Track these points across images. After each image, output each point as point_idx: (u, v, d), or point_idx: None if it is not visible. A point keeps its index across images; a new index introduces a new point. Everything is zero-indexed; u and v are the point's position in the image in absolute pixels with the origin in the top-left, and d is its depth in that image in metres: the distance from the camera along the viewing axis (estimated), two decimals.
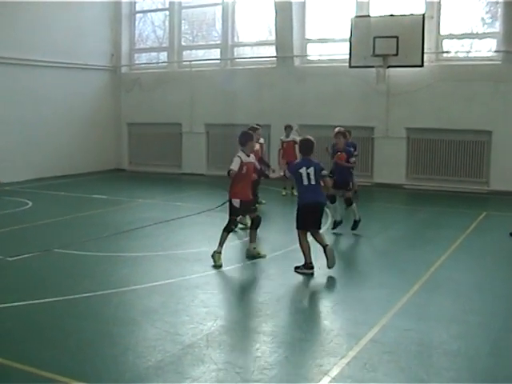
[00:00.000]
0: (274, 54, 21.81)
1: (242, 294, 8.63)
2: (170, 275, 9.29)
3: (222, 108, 22.23)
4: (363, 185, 18.18)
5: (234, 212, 10.32)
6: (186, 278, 9.20)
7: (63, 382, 5.61)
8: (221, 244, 10.07)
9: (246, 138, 10.29)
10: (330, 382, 5.65)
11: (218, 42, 23.46)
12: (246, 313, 7.73)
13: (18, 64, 19.96)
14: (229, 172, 10.01)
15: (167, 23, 24.52)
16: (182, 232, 12.86)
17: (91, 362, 6.13)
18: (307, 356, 6.22)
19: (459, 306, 8.02)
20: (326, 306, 8.04)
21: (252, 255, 10.38)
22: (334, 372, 5.84)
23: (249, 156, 10.20)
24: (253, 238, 10.50)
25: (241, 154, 10.12)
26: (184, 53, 24.38)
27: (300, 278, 9.25)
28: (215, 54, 23.57)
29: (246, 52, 23.48)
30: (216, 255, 9.96)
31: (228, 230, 10.24)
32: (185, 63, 23.93)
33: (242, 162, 10.02)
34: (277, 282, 9.26)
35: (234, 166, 9.99)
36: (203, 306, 7.90)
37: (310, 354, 6.29)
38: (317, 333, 6.94)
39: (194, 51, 24.57)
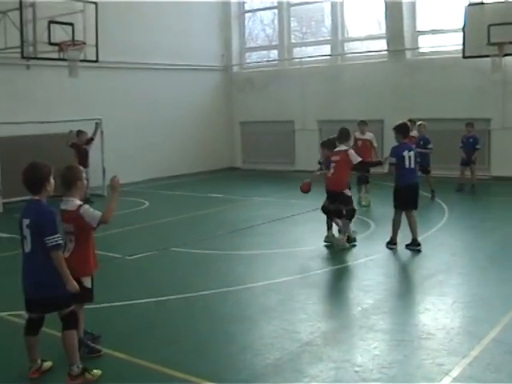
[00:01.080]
0: (385, 48, 21.54)
1: (361, 291, 8.56)
2: (286, 273, 9.35)
3: (333, 104, 22.14)
4: (480, 178, 17.66)
5: (351, 201, 10.95)
6: (303, 276, 9.25)
7: (180, 378, 5.76)
8: (346, 232, 10.85)
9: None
10: (451, 382, 5.55)
11: (328, 38, 23.39)
12: (363, 310, 7.68)
13: (133, 68, 20.59)
14: (359, 163, 10.88)
15: (276, 21, 24.67)
16: (297, 229, 12.91)
17: (208, 360, 6.25)
18: (427, 355, 6.12)
19: None
20: (446, 303, 7.88)
21: (331, 243, 10.91)
22: (455, 372, 5.72)
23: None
24: (343, 227, 10.91)
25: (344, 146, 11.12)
26: (294, 50, 24.45)
27: (419, 275, 9.13)
28: (325, 50, 23.50)
29: (356, 47, 23.29)
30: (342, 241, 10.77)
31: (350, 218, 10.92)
32: (295, 60, 24.00)
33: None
34: (395, 279, 9.18)
35: (357, 158, 10.83)
36: (320, 304, 7.94)
37: (430, 353, 6.19)
38: (436, 331, 6.80)
39: (303, 48, 24.59)
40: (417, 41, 21.37)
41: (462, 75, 19.52)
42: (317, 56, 23.43)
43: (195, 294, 8.38)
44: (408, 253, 10.24)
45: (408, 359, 6.10)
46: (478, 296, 8.12)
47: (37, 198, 5.76)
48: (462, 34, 18.76)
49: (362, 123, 15.94)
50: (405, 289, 8.62)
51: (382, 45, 21.81)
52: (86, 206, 6.20)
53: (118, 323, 7.38)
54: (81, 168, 6.50)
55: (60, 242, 5.60)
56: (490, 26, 17.94)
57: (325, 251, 10.66)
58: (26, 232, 5.67)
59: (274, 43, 25.06)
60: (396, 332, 6.87)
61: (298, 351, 6.34)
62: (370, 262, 9.89)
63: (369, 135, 15.74)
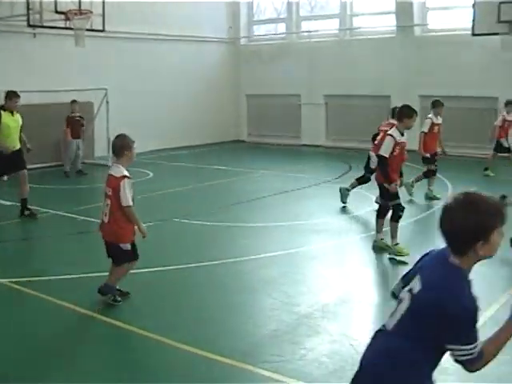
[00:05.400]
0: (394, 24, 21.40)
1: (361, 265, 8.61)
2: (289, 246, 9.38)
3: (340, 79, 22.03)
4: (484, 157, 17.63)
5: (388, 196, 8.91)
6: (306, 249, 9.30)
7: (181, 348, 5.82)
8: (394, 236, 8.84)
9: (403, 113, 8.79)
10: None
11: (337, 12, 23.19)
12: (363, 285, 7.73)
13: (140, 38, 20.42)
14: (380, 157, 8.76)
15: None
16: (301, 203, 12.91)
17: (209, 329, 6.34)
18: None
19: None
20: None
21: (380, 247, 9.04)
22: None
23: (403, 134, 8.76)
24: (393, 233, 8.86)
25: (394, 131, 8.75)
26: (302, 24, 24.30)
27: (422, 249, 9.15)
28: (334, 24, 23.34)
29: (365, 22, 23.12)
30: (381, 242, 9.03)
31: (396, 218, 8.89)
32: (303, 34, 23.88)
33: (395, 142, 8.63)
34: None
35: (386, 151, 8.63)
36: (321, 277, 7.98)
37: None
38: None
39: (312, 22, 24.43)
40: (426, 17, 21.20)
41: (472, 53, 19.36)
42: (325, 30, 23.30)
43: (199, 265, 8.43)
44: (409, 229, 10.23)
45: None
46: (479, 275, 8.11)
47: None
48: (471, 11, 18.62)
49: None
50: (407, 265, 8.61)
51: (390, 20, 21.66)
52: (128, 181, 6.77)
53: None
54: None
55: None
56: (500, 3, 17.79)
57: (329, 225, 10.67)
58: None
59: (282, 16, 24.88)
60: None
61: (295, 323, 6.40)
62: (371, 237, 9.89)
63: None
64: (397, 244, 8.68)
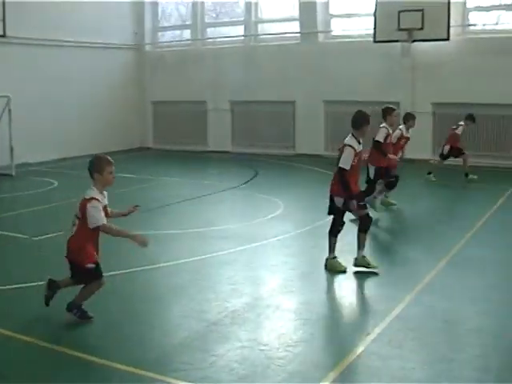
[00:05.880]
0: (298, 30, 21.69)
1: (268, 271, 8.64)
2: (197, 253, 9.33)
3: (246, 85, 22.13)
4: None
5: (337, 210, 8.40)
6: (213, 256, 9.24)
7: (91, 360, 5.69)
8: (331, 250, 8.49)
9: (362, 119, 8.32)
10: (356, 358, 5.67)
11: (242, 19, 23.31)
12: (271, 290, 7.75)
13: (44, 44, 19.91)
14: (340, 170, 8.12)
15: (190, 0, 24.39)
16: (208, 209, 12.88)
17: (116, 340, 6.22)
18: (332, 333, 6.25)
19: (484, 282, 7.96)
20: (352, 281, 8.04)
21: (361, 265, 8.36)
22: (360, 349, 5.85)
23: (360, 143, 8.30)
24: (361, 244, 8.39)
25: (352, 140, 8.23)
26: (208, 30, 24.30)
27: (325, 254, 9.26)
28: (239, 30, 23.42)
29: (270, 28, 23.34)
30: (332, 262, 8.44)
31: (334, 233, 8.48)
32: (209, 40, 23.88)
33: (355, 152, 8.15)
34: (302, 258, 9.30)
35: (346, 163, 8.08)
36: (229, 284, 7.95)
37: (336, 332, 6.32)
38: (342, 310, 6.95)
39: (217, 28, 24.47)
40: (329, 24, 21.59)
41: (374, 59, 19.83)
42: (230, 37, 23.38)
43: (105, 275, 8.22)
44: (315, 233, 10.34)
45: (313, 337, 6.20)
46: (384, 275, 8.31)
47: None
48: (373, 18, 19.11)
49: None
50: (312, 269, 8.70)
51: (295, 27, 21.94)
52: (95, 204, 6.45)
53: (18, 306, 7.21)
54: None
55: None
56: (400, 11, 18.35)
57: (236, 230, 10.67)
58: None
59: (187, 23, 24.80)
60: (302, 311, 6.97)
61: (205, 331, 6.35)
62: (277, 242, 9.97)
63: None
64: (364, 257, 8.32)
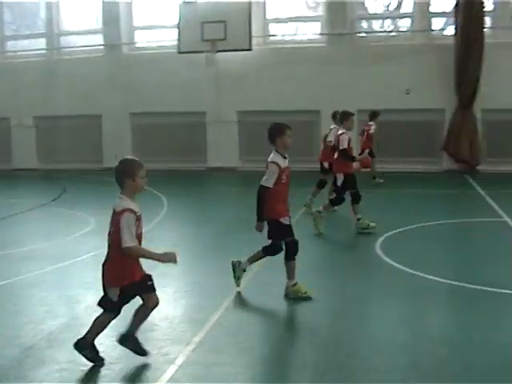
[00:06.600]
0: (102, 43, 21.41)
1: (82, 288, 8.41)
2: (4, 276, 8.88)
3: (49, 99, 21.49)
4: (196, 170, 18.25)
5: (279, 234, 7.65)
6: (22, 278, 8.86)
7: None
8: (291, 277, 7.63)
9: (274, 131, 7.64)
10: (177, 370, 5.66)
11: (43, 31, 22.62)
12: (87, 308, 7.55)
13: None
14: (261, 189, 7.48)
15: None
16: (16, 229, 12.36)
17: None
18: (152, 346, 6.17)
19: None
20: (167, 293, 8.02)
21: (294, 296, 7.60)
22: (180, 360, 5.86)
23: (285, 157, 7.64)
24: (290, 274, 7.64)
25: (275, 157, 7.55)
26: (9, 43, 23.35)
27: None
28: (41, 43, 22.65)
29: (74, 41, 22.87)
30: (294, 288, 7.62)
31: (292, 256, 7.63)
32: (9, 54, 22.94)
33: (280, 169, 7.49)
34: None
35: (268, 181, 7.44)
36: (42, 305, 7.66)
37: (155, 344, 6.26)
38: (160, 321, 6.89)
39: (19, 41, 23.57)
40: (133, 35, 21.52)
41: (179, 70, 20.01)
42: (32, 50, 22.57)
43: None
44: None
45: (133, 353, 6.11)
46: (199, 284, 8.38)
47: None
48: (177, 30, 19.29)
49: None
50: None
51: (99, 39, 21.65)
52: (130, 216, 5.49)
53: None
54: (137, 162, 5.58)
55: None
56: (203, 23, 18.68)
57: (46, 250, 10.29)
58: None
59: None
60: (120, 327, 6.82)
61: (19, 357, 6.05)
62: (90, 259, 9.74)
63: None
64: (295, 284, 7.62)
